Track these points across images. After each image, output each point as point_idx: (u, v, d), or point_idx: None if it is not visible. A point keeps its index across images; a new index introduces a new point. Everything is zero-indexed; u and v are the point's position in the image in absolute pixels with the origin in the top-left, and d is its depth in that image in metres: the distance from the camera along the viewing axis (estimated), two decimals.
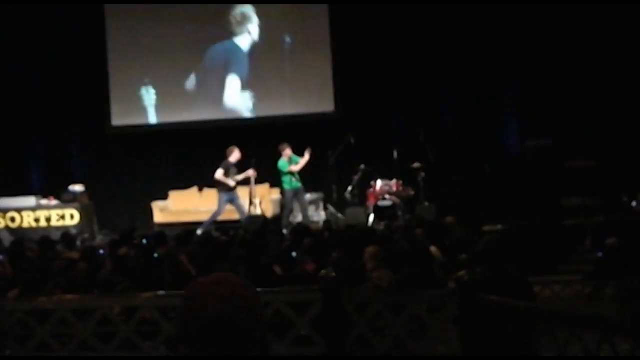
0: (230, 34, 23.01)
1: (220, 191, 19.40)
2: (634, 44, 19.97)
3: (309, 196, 20.54)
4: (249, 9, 22.91)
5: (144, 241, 14.71)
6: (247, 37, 22.93)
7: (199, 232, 17.24)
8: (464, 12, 21.11)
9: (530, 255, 14.02)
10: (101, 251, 13.71)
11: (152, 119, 23.06)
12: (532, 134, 20.30)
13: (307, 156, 19.38)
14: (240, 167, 19.44)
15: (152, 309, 7.82)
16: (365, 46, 21.80)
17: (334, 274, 6.81)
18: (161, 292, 8.54)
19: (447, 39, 21.27)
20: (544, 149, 19.60)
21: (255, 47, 22.93)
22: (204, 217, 19.97)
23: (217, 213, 19.41)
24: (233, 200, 19.46)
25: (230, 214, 19.86)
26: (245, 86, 22.86)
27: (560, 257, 15.65)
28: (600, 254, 12.96)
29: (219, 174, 19.17)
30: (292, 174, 19.52)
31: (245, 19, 22.87)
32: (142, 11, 23.19)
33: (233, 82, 22.91)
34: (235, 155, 19.35)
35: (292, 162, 19.50)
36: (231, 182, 19.21)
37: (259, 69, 22.82)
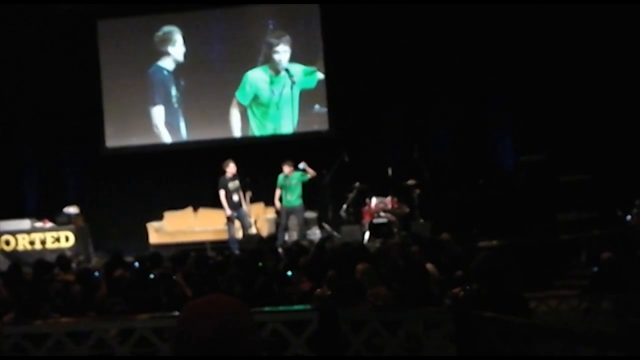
0: (243, 57, 22.99)
1: (230, 209, 19.48)
2: (625, 59, 20.02)
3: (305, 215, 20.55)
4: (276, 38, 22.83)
5: (136, 264, 14.66)
6: (281, 61, 22.86)
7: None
8: (457, 29, 21.17)
9: (526, 271, 14.00)
10: (96, 273, 13.67)
11: (152, 139, 23.03)
12: (525, 149, 20.31)
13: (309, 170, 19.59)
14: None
15: (148, 330, 7.80)
16: (358, 64, 21.83)
17: (329, 292, 6.82)
18: (157, 314, 8.52)
19: (440, 55, 21.32)
20: (538, 164, 19.61)
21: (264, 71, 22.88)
22: (199, 237, 19.99)
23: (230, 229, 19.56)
24: (239, 217, 19.54)
25: (223, 234, 19.92)
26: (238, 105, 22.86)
27: (556, 272, 15.65)
28: (595, 269, 12.95)
29: (221, 195, 19.25)
30: (286, 191, 19.58)
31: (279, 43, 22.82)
32: (136, 29, 23.18)
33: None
34: (230, 169, 19.40)
35: (290, 179, 19.56)
36: (234, 197, 19.31)
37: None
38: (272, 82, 22.63)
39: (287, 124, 22.64)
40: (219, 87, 22.97)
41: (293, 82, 22.14)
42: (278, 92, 22.56)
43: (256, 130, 22.87)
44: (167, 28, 23.03)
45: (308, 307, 7.57)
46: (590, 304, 11.19)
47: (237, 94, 22.78)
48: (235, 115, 22.81)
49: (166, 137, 23.04)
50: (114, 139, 23.13)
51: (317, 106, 22.66)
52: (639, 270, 11.97)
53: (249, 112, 22.84)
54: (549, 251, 16.54)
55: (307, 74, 22.58)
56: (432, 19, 21.25)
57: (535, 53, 20.71)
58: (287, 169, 19.65)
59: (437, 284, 11.27)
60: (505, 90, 21.24)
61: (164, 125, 23.02)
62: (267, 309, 7.61)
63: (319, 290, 7.12)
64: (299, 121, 22.60)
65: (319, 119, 22.73)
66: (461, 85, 21.44)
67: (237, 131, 22.82)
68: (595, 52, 20.17)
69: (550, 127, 20.45)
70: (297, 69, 22.54)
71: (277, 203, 19.98)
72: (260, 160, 21.14)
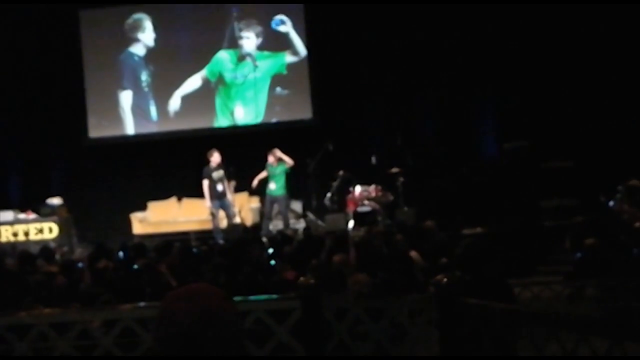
0: (209, 42, 22.95)
1: (213, 198, 19.46)
2: (606, 45, 20.05)
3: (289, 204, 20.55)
4: (243, 25, 22.82)
5: (120, 254, 14.66)
6: (245, 47, 22.84)
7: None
8: (439, 17, 21.19)
9: (510, 257, 14.03)
10: (80, 264, 13.65)
11: (130, 129, 22.99)
12: (508, 136, 20.34)
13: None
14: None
15: (132, 320, 7.79)
16: (341, 52, 21.83)
17: (312, 281, 6.81)
18: (141, 304, 8.51)
19: (423, 43, 21.34)
20: (521, 151, 19.64)
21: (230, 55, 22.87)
22: (184, 227, 19.99)
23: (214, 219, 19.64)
24: (223, 207, 19.56)
25: (207, 224, 19.92)
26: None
27: (539, 259, 15.70)
28: (579, 255, 12.98)
29: (204, 185, 19.28)
30: (270, 180, 19.61)
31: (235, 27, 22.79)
32: (116, 19, 23.11)
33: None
34: (214, 158, 19.42)
35: (275, 168, 19.59)
36: (218, 187, 19.36)
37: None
38: (236, 66, 22.78)
39: (250, 109, 22.82)
40: (188, 73, 22.98)
41: (256, 67, 22.44)
42: (242, 77, 22.66)
43: (219, 110, 22.98)
44: (137, 15, 23.07)
45: (292, 295, 7.56)
46: (573, 289, 11.23)
47: (207, 68, 22.95)
48: (196, 84, 23.00)
49: (132, 122, 23.11)
50: (97, 130, 23.05)
51: (278, 89, 22.75)
52: (622, 256, 12.01)
53: (216, 90, 22.95)
54: (532, 237, 16.58)
55: (275, 60, 22.69)
56: (416, 8, 21.24)
57: (516, 41, 20.73)
58: (271, 158, 19.66)
59: (422, 272, 11.29)
60: (487, 77, 21.28)
61: (130, 109, 23.06)
62: (250, 298, 7.60)
63: (302, 278, 7.10)
64: (267, 105, 22.73)
65: (280, 101, 22.81)
66: (444, 74, 21.47)
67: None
68: (575, 39, 20.21)
69: (533, 114, 20.49)
70: (264, 55, 22.73)
71: (256, 182, 19.96)
72: (244, 149, 21.14)
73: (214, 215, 19.52)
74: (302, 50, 22.56)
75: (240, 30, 22.65)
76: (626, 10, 19.66)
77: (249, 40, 22.71)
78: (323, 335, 6.70)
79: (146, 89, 23.03)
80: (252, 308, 7.10)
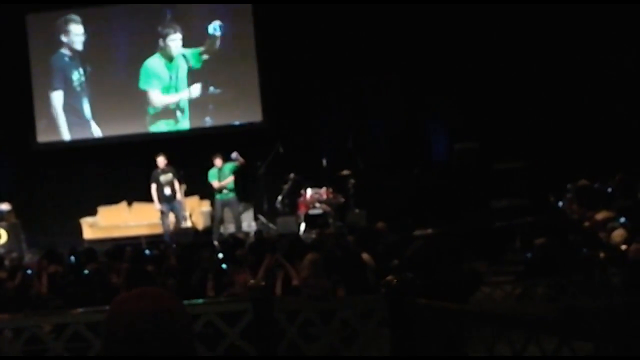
0: (156, 45, 22.87)
1: (161, 202, 19.45)
2: (554, 46, 20.22)
3: (240, 207, 20.50)
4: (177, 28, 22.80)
5: (72, 259, 14.55)
6: (174, 48, 22.78)
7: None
8: (388, 17, 21.22)
9: (461, 258, 14.09)
10: (29, 271, 13.52)
11: (78, 134, 22.82)
12: (459, 137, 20.47)
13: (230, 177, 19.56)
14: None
15: (82, 325, 7.73)
16: (290, 54, 21.81)
17: (263, 283, 6.81)
18: (90, 308, 8.45)
19: (374, 44, 21.38)
20: (472, 152, 19.77)
21: (181, 57, 22.81)
22: (134, 231, 19.89)
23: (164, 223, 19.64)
24: (173, 209, 19.51)
25: (158, 228, 19.85)
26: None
27: (490, 259, 15.78)
28: (529, 254, 13.09)
29: (152, 189, 19.27)
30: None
31: (171, 32, 22.74)
32: (65, 23, 22.94)
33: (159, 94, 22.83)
34: (160, 162, 19.40)
35: (223, 171, 19.50)
36: (165, 191, 19.32)
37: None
38: (168, 68, 22.74)
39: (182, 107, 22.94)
40: (122, 76, 22.94)
41: (189, 67, 22.63)
42: (175, 77, 22.64)
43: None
44: (68, 17, 22.90)
45: (243, 298, 7.56)
46: (524, 289, 11.31)
47: (140, 83, 22.94)
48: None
49: (65, 122, 22.93)
50: (45, 134, 22.86)
51: (212, 88, 22.71)
52: (571, 255, 12.12)
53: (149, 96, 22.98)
54: (483, 238, 16.67)
55: (194, 55, 22.78)
56: (366, 9, 21.28)
57: (466, 42, 20.83)
58: (218, 161, 19.60)
59: (373, 273, 11.31)
60: (438, 79, 21.35)
61: (62, 109, 22.87)
62: (201, 300, 7.59)
63: (252, 281, 7.10)
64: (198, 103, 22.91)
65: (214, 99, 22.79)
66: (394, 75, 21.53)
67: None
68: (524, 40, 20.35)
69: (483, 115, 20.61)
70: (188, 52, 22.82)
71: (218, 184, 19.84)
72: (194, 153, 21.05)
73: (165, 215, 19.46)
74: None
75: (172, 32, 22.64)
76: (575, 9, 19.81)
77: (176, 42, 22.75)
78: (274, 337, 6.69)
79: (78, 89, 22.84)
80: (203, 311, 7.08)
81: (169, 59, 22.78)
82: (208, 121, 22.76)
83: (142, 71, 22.83)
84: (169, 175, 19.44)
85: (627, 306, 8.79)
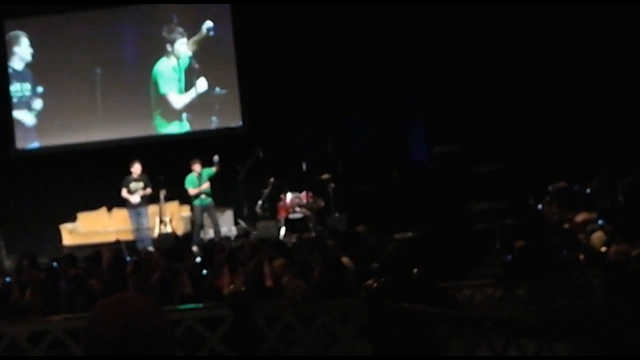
0: (136, 52, 22.82)
1: (127, 208, 19.55)
2: (532, 49, 20.28)
3: (218, 212, 20.48)
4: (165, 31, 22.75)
5: (54, 264, 14.50)
6: (154, 54, 22.74)
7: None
8: (366, 21, 21.23)
9: (442, 261, 14.12)
10: (7, 279, 13.45)
11: (57, 140, 22.70)
12: (438, 140, 20.49)
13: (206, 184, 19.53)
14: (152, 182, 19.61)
15: (62, 332, 7.70)
16: (269, 58, 21.77)
17: (243, 288, 6.80)
18: (70, 315, 8.43)
19: (352, 48, 21.37)
20: (451, 155, 19.81)
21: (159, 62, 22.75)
22: (114, 237, 19.82)
23: (133, 229, 19.65)
24: (139, 215, 19.54)
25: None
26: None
27: (471, 262, 15.81)
28: (509, 257, 13.11)
29: (122, 194, 19.31)
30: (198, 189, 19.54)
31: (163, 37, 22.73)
32: (43, 29, 22.83)
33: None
34: (134, 169, 19.50)
35: (202, 177, 19.48)
36: (133, 199, 19.39)
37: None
38: (175, 70, 22.70)
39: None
40: (79, 85, 22.83)
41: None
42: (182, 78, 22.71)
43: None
44: (14, 33, 22.83)
45: (223, 303, 7.54)
46: (504, 291, 11.33)
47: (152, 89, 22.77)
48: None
49: (45, 127, 22.85)
50: (23, 140, 22.75)
51: (217, 89, 22.61)
52: (551, 257, 12.14)
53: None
54: (463, 241, 16.70)
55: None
56: (343, 13, 21.26)
57: (444, 45, 20.85)
58: (197, 166, 19.58)
59: (354, 277, 11.31)
60: (417, 82, 21.38)
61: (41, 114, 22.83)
62: (181, 306, 7.58)
63: (232, 286, 7.09)
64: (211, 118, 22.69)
65: (219, 99, 22.74)
66: (373, 79, 21.55)
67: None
68: (501, 43, 20.39)
69: (462, 118, 20.63)
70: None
71: (196, 190, 19.79)
72: (174, 158, 21.00)
73: (132, 224, 19.63)
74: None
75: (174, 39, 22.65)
76: (551, 13, 19.89)
77: (183, 45, 22.71)
78: (255, 342, 6.68)
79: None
80: (183, 317, 7.06)
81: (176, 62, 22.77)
82: (186, 125, 22.70)
83: (155, 78, 22.74)
84: (140, 183, 19.54)
85: (606, 308, 8.81)
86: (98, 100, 22.79)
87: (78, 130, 22.58)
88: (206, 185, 19.57)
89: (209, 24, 22.58)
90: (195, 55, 22.60)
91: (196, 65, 22.54)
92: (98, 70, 22.72)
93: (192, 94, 22.59)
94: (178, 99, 22.58)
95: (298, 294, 9.64)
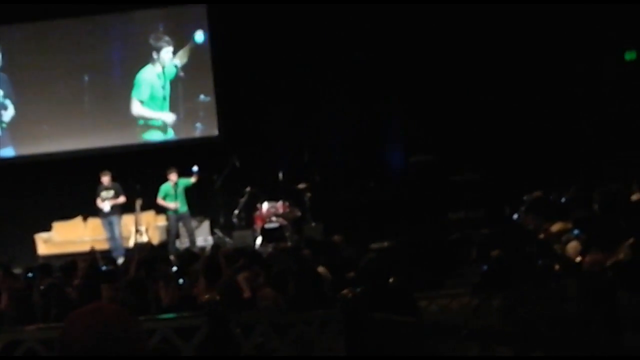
0: (121, 59, 22.76)
1: (100, 217, 19.84)
2: (509, 59, 20.35)
3: (195, 222, 20.45)
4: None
5: (30, 274, 14.41)
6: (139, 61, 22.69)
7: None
8: (344, 30, 21.23)
9: (418, 270, 14.12)
10: None
11: (32, 149, 22.59)
12: (415, 150, 20.53)
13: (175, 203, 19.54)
14: (126, 192, 19.58)
15: (36, 342, 7.66)
16: (246, 68, 21.74)
17: (218, 297, 6.78)
18: (45, 325, 8.39)
19: (329, 57, 21.38)
20: (428, 165, 19.85)
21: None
22: (90, 247, 19.76)
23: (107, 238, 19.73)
24: (111, 224, 19.57)
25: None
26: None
27: (447, 271, 15.81)
28: (485, 266, 13.12)
29: (97, 201, 19.43)
30: (173, 198, 19.48)
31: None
32: (21, 37, 22.74)
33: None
34: (104, 178, 19.60)
35: (177, 186, 19.46)
36: (104, 208, 19.52)
37: None
38: (158, 77, 22.61)
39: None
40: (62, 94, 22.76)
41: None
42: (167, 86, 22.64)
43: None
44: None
45: (198, 313, 7.52)
46: (480, 301, 11.34)
47: (133, 94, 22.62)
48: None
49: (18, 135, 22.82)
50: None
51: (202, 96, 22.55)
52: (527, 267, 12.16)
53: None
54: (439, 250, 16.70)
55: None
56: (319, 20, 21.26)
57: (422, 54, 20.89)
58: (173, 176, 19.56)
59: (330, 286, 11.30)
60: (393, 91, 21.40)
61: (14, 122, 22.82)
62: (156, 316, 7.55)
63: (207, 295, 7.07)
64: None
65: (204, 106, 22.67)
66: (350, 88, 21.54)
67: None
68: (481, 52, 20.46)
69: (439, 128, 20.69)
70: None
71: (172, 205, 19.76)
72: (152, 166, 20.92)
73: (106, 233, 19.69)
74: None
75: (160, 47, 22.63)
76: (529, 21, 19.99)
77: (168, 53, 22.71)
78: (230, 352, 6.66)
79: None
80: (158, 326, 7.04)
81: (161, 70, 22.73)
82: (171, 133, 22.68)
83: (137, 83, 22.71)
84: (110, 192, 19.61)
85: (581, 316, 8.83)
86: (81, 108, 22.72)
87: (53, 138, 22.48)
88: (175, 205, 19.55)
89: (196, 33, 22.53)
90: (183, 64, 22.53)
91: (181, 73, 22.47)
92: (86, 78, 22.67)
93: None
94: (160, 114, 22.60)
95: (269, 303, 9.63)
